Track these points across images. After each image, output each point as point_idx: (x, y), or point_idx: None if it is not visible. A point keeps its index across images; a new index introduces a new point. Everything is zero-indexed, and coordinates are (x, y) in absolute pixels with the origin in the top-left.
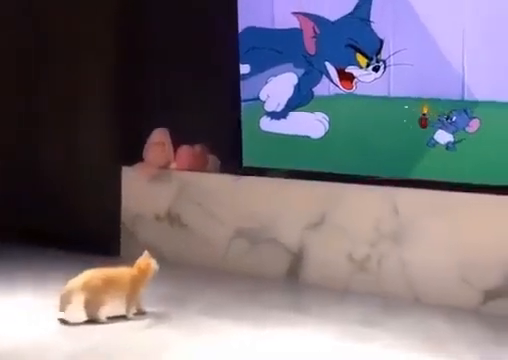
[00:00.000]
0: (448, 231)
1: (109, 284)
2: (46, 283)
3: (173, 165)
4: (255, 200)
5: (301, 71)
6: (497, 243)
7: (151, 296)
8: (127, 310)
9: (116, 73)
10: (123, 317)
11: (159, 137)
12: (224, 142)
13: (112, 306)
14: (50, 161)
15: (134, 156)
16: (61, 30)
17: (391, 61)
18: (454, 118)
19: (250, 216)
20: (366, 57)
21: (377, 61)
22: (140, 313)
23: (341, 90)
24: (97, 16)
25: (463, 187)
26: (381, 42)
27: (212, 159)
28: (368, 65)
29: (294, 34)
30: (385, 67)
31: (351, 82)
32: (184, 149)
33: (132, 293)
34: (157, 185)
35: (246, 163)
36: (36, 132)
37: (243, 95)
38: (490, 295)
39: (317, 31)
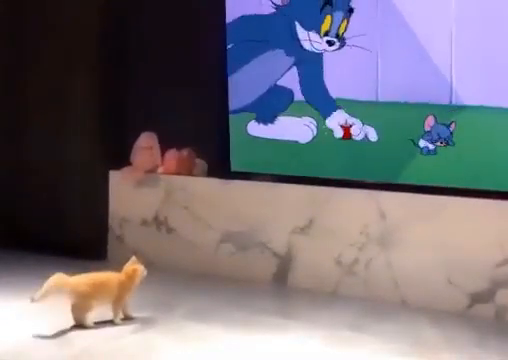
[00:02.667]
0: (435, 234)
1: (97, 289)
2: (30, 288)
3: (160, 169)
4: (243, 204)
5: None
6: (484, 246)
7: (138, 301)
8: (114, 315)
9: (102, 76)
10: (110, 322)
11: (147, 141)
12: (212, 146)
13: (99, 311)
14: (35, 164)
15: (122, 160)
16: (45, 30)
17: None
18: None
19: (238, 220)
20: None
21: (336, 37)
22: (127, 318)
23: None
24: (81, 14)
25: (449, 191)
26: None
27: (200, 163)
28: (326, 34)
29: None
30: (343, 46)
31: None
32: (172, 153)
33: (119, 298)
34: (144, 189)
35: (234, 168)
36: (20, 134)
37: (231, 105)
38: (477, 298)
39: None
